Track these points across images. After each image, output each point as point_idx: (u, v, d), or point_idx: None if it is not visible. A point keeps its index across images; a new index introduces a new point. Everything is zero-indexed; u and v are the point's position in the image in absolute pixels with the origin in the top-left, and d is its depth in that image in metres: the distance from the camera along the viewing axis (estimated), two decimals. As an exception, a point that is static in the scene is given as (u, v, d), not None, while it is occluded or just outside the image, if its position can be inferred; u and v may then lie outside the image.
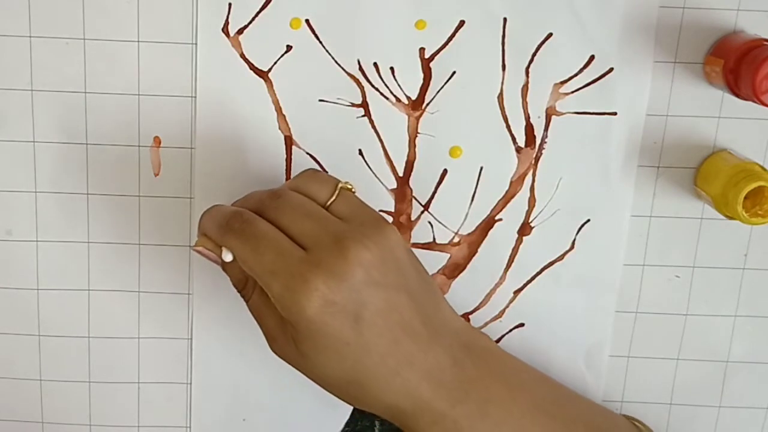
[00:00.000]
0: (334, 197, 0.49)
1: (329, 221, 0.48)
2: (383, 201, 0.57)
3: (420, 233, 0.58)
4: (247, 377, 0.60)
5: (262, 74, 0.55)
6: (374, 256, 0.46)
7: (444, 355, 0.49)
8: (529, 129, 0.56)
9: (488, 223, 0.58)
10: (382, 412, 0.49)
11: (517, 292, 0.59)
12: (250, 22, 0.54)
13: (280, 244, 0.47)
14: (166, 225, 0.57)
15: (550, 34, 0.54)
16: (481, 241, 0.58)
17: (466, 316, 0.59)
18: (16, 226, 0.57)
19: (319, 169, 0.56)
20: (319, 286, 0.45)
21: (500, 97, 0.55)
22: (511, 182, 0.57)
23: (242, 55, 0.55)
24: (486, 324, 0.59)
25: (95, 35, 0.54)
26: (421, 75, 0.55)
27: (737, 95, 0.53)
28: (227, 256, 0.48)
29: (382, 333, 0.47)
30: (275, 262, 0.46)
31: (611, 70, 0.55)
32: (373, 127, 0.56)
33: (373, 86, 0.55)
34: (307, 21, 0.54)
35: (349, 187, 0.50)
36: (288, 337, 0.48)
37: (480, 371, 0.50)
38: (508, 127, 0.56)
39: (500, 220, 0.58)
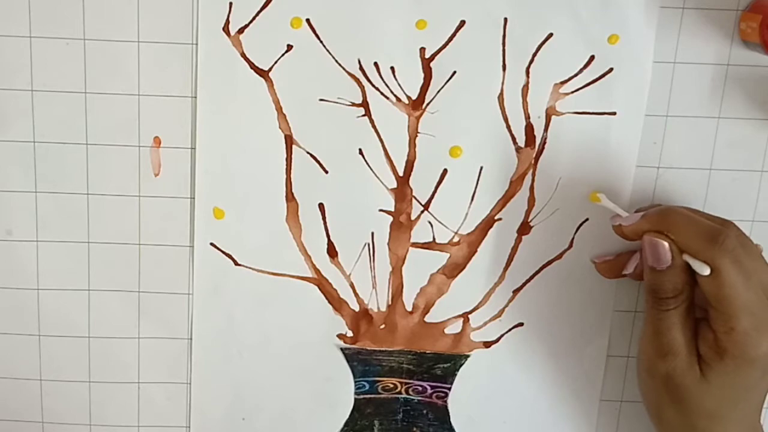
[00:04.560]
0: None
1: None
2: (383, 200, 0.57)
3: (420, 233, 0.58)
4: (247, 377, 0.60)
5: (263, 73, 0.55)
6: None
7: None
8: (529, 129, 0.56)
9: (488, 223, 0.58)
10: None
11: (516, 291, 0.59)
12: (251, 22, 0.54)
13: (765, 285, 0.49)
14: (166, 225, 0.57)
15: (551, 34, 0.55)
16: (481, 241, 0.58)
17: (465, 315, 0.59)
18: (16, 226, 0.57)
19: None
20: None
21: (500, 97, 0.55)
22: (510, 182, 0.57)
23: (243, 55, 0.55)
24: (485, 323, 0.59)
25: (95, 35, 0.54)
26: (422, 75, 0.55)
27: None
28: (705, 270, 0.48)
29: None
30: (756, 303, 0.48)
31: (611, 70, 0.55)
32: (374, 126, 0.56)
33: (373, 86, 0.55)
34: (307, 20, 0.54)
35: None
36: (692, 360, 0.50)
37: None
38: (508, 127, 0.56)
39: (500, 219, 0.58)
